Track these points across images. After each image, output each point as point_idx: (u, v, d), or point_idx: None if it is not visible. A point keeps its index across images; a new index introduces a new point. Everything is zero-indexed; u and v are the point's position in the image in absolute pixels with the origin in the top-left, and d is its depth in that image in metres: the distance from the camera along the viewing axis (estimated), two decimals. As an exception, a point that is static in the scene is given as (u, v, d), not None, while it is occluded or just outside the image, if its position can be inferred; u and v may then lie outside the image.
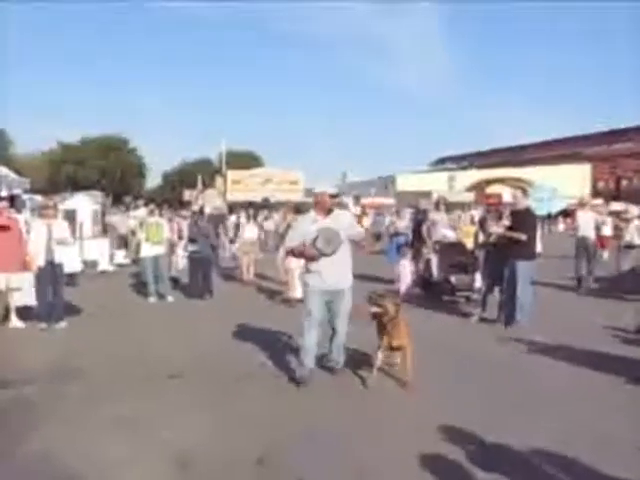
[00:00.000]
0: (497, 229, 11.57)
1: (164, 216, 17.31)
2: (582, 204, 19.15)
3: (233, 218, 25.14)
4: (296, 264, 13.43)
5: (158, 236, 14.53)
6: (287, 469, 5.30)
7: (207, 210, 24.21)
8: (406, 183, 63.48)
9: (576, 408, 6.96)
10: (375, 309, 7.80)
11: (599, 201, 19.52)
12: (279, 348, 9.63)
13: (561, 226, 51.66)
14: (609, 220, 21.00)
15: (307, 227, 7.97)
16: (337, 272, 7.92)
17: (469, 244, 14.54)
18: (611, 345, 9.80)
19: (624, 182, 75.98)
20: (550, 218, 44.95)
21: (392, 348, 7.83)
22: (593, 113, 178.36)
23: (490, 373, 8.37)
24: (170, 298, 14.39)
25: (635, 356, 9.10)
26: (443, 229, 15.48)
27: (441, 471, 5.17)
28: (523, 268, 11.01)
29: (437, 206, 16.94)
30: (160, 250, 14.55)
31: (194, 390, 7.52)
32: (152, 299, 14.25)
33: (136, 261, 18.48)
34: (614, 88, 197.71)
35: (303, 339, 7.99)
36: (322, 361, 8.37)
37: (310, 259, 7.92)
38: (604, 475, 5.12)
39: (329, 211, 8.04)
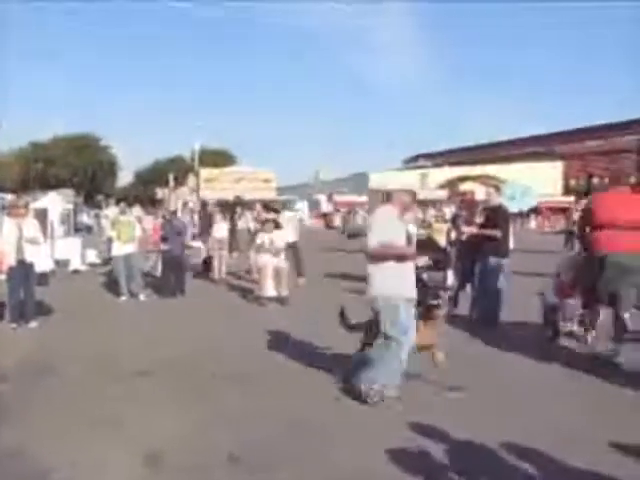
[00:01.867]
0: (470, 228, 11.63)
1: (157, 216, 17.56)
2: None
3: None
4: (267, 262, 13.48)
5: (129, 235, 14.47)
6: (260, 467, 5.30)
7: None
8: (379, 181, 63.50)
9: (545, 403, 7.04)
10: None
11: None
12: (252, 347, 9.64)
13: (533, 223, 52.06)
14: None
15: (392, 221, 7.16)
16: (412, 279, 7.20)
17: (441, 241, 14.60)
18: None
19: (595, 180, 76.55)
20: (522, 215, 45.26)
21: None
22: (568, 113, 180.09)
23: (461, 369, 8.41)
24: (142, 297, 14.34)
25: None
26: (411, 227, 15.52)
27: (410, 467, 5.20)
28: (496, 265, 11.08)
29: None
30: (131, 249, 14.50)
31: (167, 389, 7.51)
32: (124, 298, 14.18)
33: (107, 261, 18.43)
34: (589, 88, 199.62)
35: (392, 364, 7.01)
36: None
37: (402, 259, 7.02)
38: (569, 468, 5.19)
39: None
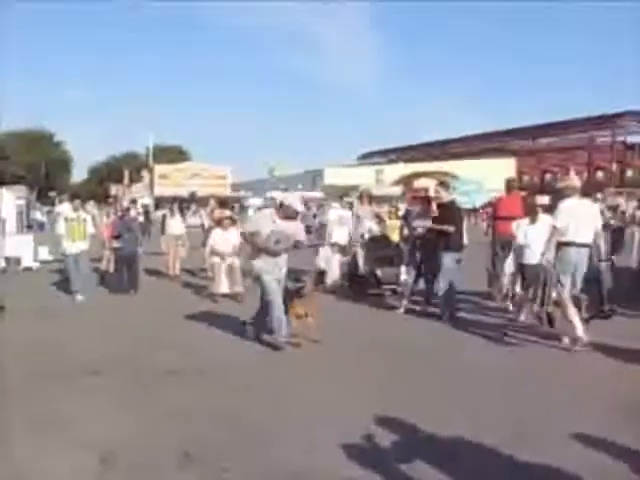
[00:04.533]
0: (425, 223, 11.73)
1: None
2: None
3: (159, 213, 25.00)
4: (219, 259, 13.50)
5: (80, 233, 14.22)
6: (212, 463, 5.29)
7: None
8: (334, 177, 63.62)
9: (498, 395, 7.11)
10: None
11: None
12: (203, 343, 9.65)
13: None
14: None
15: (264, 221, 9.41)
16: (279, 265, 9.39)
17: (394, 237, 14.68)
18: (532, 334, 10.06)
19: (548, 176, 77.31)
20: (475, 211, 45.56)
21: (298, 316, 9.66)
22: (522, 110, 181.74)
23: (416, 363, 8.50)
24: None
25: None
26: (368, 222, 15.55)
27: (364, 461, 5.22)
28: (449, 260, 11.21)
29: (361, 200, 16.99)
30: (82, 247, 14.18)
31: (117, 387, 7.45)
32: (77, 296, 13.93)
33: (60, 259, 18.24)
34: (543, 85, 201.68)
35: (273, 314, 9.13)
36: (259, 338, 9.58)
37: (259, 250, 9.24)
38: (522, 461, 5.27)
39: (288, 219, 9.47)
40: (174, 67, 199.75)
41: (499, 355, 8.94)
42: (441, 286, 11.15)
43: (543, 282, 9.49)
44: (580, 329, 9.14)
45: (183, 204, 24.07)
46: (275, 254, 9.23)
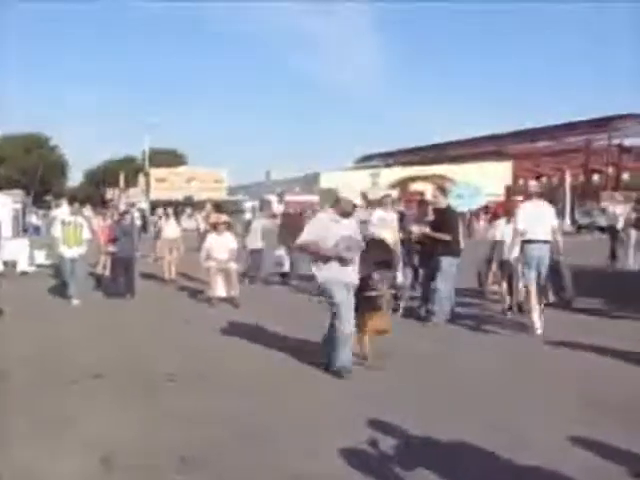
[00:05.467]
0: (422, 228, 11.73)
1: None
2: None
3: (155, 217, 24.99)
4: (215, 263, 13.48)
5: (76, 237, 14.14)
6: (210, 467, 5.29)
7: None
8: (330, 180, 63.54)
9: (495, 398, 7.10)
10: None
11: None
12: (201, 346, 9.63)
13: (482, 223, 52.49)
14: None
15: (326, 224, 8.24)
16: (348, 270, 8.22)
17: (390, 241, 14.63)
18: (531, 336, 10.07)
19: (543, 180, 77.27)
20: (472, 214, 45.52)
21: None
22: (521, 113, 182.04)
23: (414, 367, 8.48)
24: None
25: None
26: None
27: (364, 465, 5.22)
28: (447, 264, 11.21)
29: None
30: (78, 251, 14.13)
31: (116, 390, 7.45)
32: (73, 300, 13.89)
33: (56, 263, 18.19)
34: (541, 88, 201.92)
35: (343, 332, 8.07)
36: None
37: (324, 259, 8.10)
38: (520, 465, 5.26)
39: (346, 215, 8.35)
40: (171, 69, 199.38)
41: (496, 357, 8.95)
42: (440, 289, 11.16)
43: (509, 276, 11.67)
44: (536, 319, 10.44)
45: (178, 208, 24.03)
46: (345, 263, 8.14)
